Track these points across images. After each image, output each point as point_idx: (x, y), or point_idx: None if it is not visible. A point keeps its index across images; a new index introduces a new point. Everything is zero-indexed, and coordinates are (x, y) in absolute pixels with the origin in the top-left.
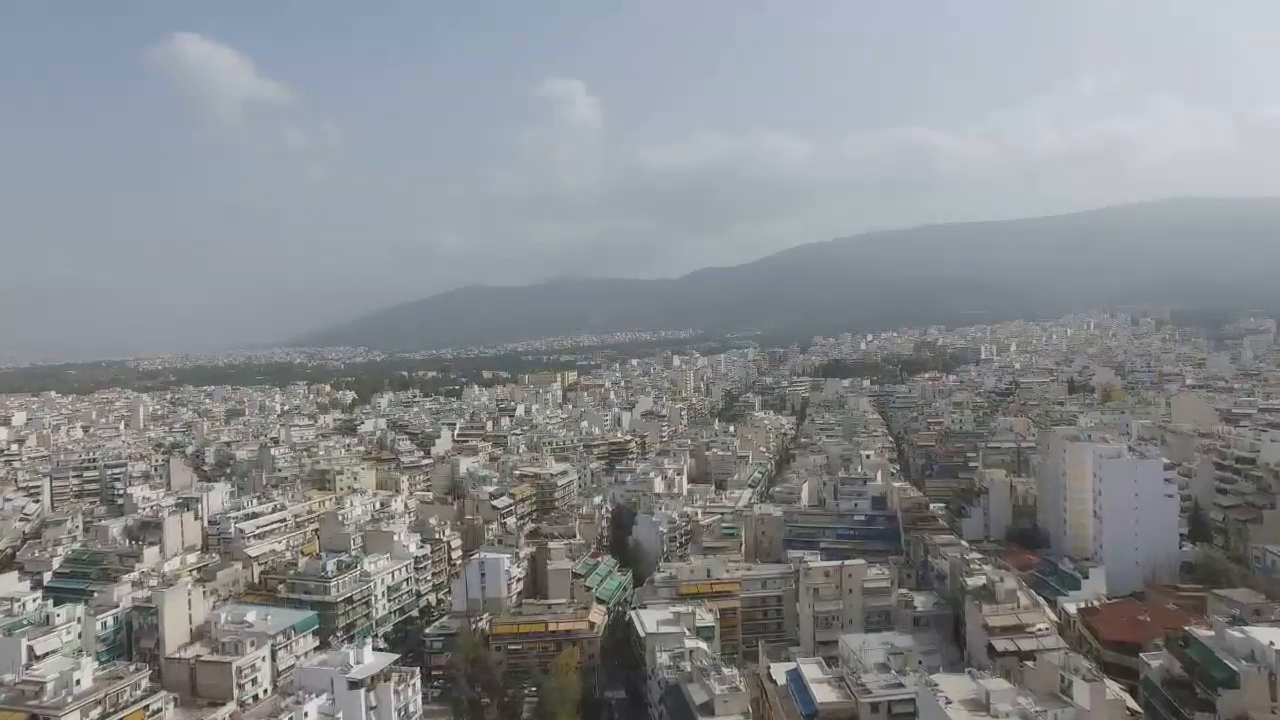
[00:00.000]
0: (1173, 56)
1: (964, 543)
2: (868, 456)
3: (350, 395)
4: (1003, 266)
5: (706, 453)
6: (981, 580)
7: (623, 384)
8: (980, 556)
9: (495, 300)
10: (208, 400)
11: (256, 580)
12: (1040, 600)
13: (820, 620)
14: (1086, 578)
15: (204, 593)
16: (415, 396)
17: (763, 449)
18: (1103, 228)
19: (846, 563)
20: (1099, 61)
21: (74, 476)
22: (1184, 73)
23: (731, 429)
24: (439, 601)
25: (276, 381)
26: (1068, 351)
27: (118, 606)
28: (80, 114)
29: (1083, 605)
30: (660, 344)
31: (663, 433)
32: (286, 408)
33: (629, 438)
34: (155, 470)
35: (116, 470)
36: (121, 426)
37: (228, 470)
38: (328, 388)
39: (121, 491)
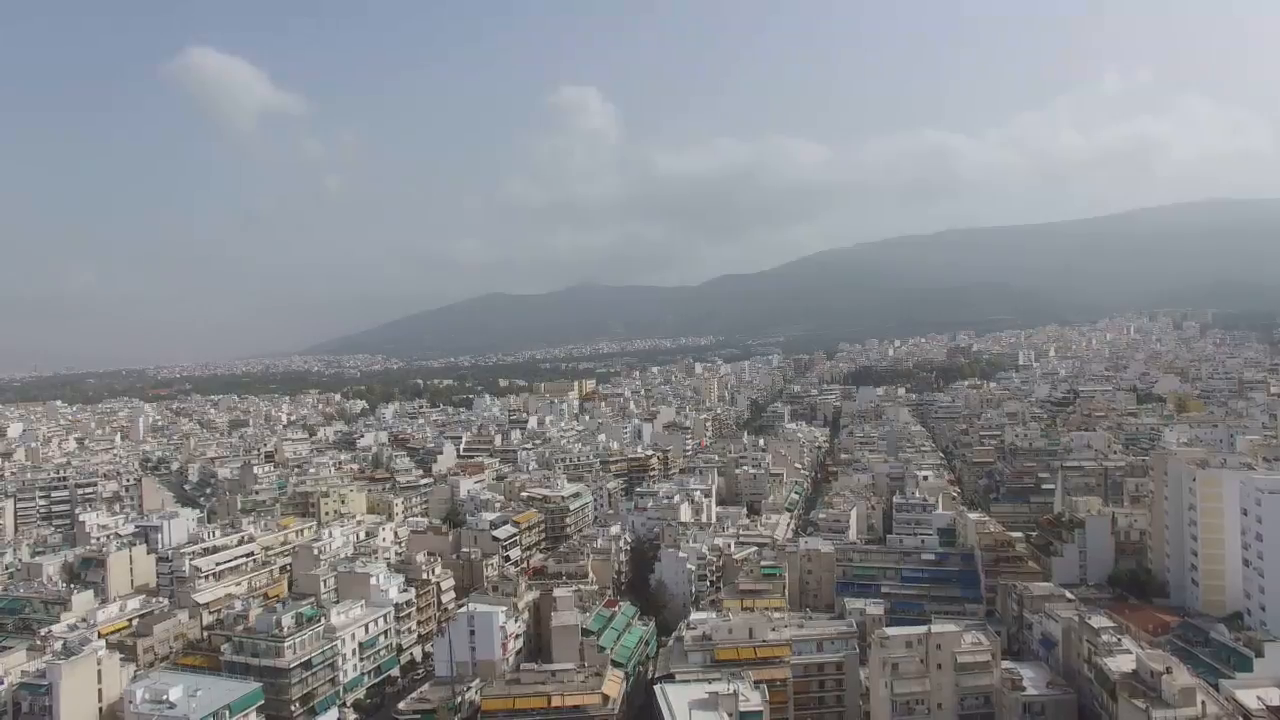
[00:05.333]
0: (1200, 55)
1: (1068, 594)
2: (924, 478)
3: (360, 405)
4: (1029, 270)
5: (736, 470)
6: (1130, 663)
7: (643, 393)
8: (1113, 626)
9: (514, 308)
10: (212, 410)
11: (202, 635)
12: (1218, 697)
13: (900, 706)
14: (1259, 654)
15: (124, 658)
16: (422, 407)
17: (797, 465)
18: (1131, 230)
19: (934, 629)
20: (1123, 61)
21: (41, 497)
22: (1212, 71)
23: (761, 442)
24: (425, 656)
25: (291, 390)
26: (1113, 357)
27: (2, 683)
28: (101, 128)
29: (1269, 702)
30: (681, 351)
31: (686, 447)
32: (293, 418)
33: (650, 453)
34: (126, 491)
35: (88, 490)
36: (118, 439)
37: (208, 490)
38: (338, 397)
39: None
